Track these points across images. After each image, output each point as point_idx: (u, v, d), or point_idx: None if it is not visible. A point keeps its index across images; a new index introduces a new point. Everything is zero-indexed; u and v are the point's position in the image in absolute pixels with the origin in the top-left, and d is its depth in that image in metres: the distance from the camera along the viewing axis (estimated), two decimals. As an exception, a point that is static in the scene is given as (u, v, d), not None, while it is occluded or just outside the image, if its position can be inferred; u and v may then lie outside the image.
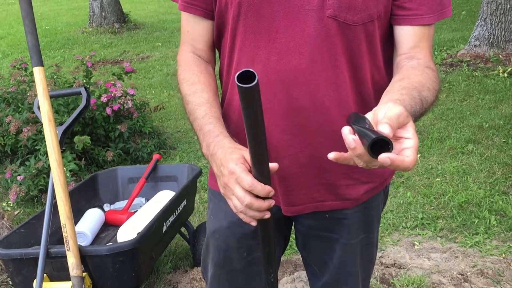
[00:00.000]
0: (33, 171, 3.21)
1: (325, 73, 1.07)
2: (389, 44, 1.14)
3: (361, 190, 1.21)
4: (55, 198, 1.82)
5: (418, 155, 3.74)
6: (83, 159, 3.56)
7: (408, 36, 1.09)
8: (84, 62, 4.00)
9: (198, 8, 1.16)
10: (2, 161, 3.83)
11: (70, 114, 3.45)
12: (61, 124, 2.00)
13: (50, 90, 2.08)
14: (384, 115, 0.79)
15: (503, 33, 6.00)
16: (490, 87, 5.13)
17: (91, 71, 4.03)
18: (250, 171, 0.92)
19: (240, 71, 0.76)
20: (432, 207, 3.06)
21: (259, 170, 0.90)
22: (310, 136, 1.11)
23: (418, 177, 3.42)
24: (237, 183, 0.92)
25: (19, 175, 3.23)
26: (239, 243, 1.27)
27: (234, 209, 0.96)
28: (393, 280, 2.42)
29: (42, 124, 1.80)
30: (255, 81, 0.75)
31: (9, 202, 3.25)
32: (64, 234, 1.78)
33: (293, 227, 1.37)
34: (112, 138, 3.84)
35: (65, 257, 1.79)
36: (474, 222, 2.86)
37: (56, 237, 2.18)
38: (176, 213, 2.32)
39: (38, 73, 1.76)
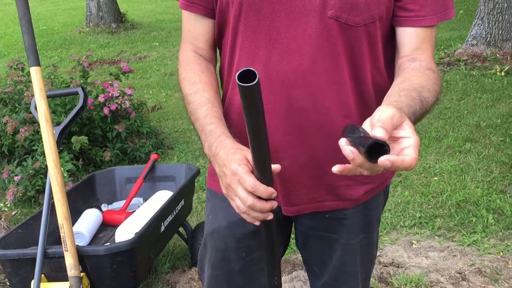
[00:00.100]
0: (30, 172, 3.20)
1: (326, 74, 1.07)
2: (390, 45, 1.13)
3: (361, 190, 1.21)
4: (52, 198, 1.81)
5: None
6: (80, 159, 3.56)
7: (410, 37, 1.09)
8: (81, 62, 3.99)
9: (199, 7, 1.15)
10: (-1, 162, 3.82)
11: (67, 114, 3.44)
12: (58, 124, 1.99)
13: (47, 90, 2.07)
14: (377, 119, 0.79)
15: (500, 32, 6.01)
16: (487, 86, 5.14)
17: (87, 71, 4.02)
18: (252, 172, 0.92)
19: (241, 70, 0.75)
20: (430, 206, 3.06)
21: (261, 172, 0.90)
22: (311, 137, 1.11)
23: (416, 176, 3.43)
24: (240, 184, 0.92)
25: (16, 175, 3.22)
26: (238, 243, 1.26)
27: (237, 210, 0.95)
28: (391, 279, 2.42)
29: (39, 124, 1.80)
30: (256, 80, 0.75)
31: (6, 203, 3.25)
32: (61, 234, 1.78)
33: (292, 227, 1.36)
34: (110, 138, 3.83)
35: (62, 257, 1.79)
36: (472, 220, 2.87)
37: (54, 237, 2.18)
38: (174, 213, 2.32)
39: (35, 73, 1.75)
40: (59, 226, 1.78)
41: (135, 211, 2.46)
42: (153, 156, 2.72)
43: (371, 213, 1.27)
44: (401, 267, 2.52)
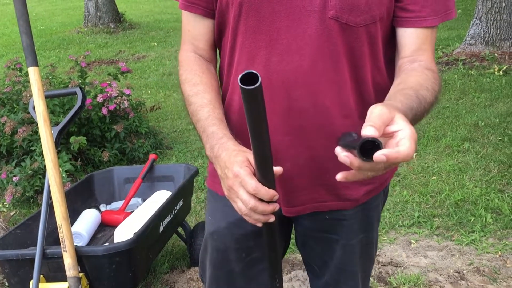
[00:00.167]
0: (29, 172, 3.20)
1: (326, 75, 1.06)
2: (391, 45, 1.13)
3: (361, 191, 1.20)
4: (51, 198, 1.81)
5: (414, 154, 3.74)
6: (79, 159, 3.55)
7: (410, 38, 1.08)
8: (79, 62, 3.98)
9: (199, 7, 1.15)
10: (-3, 162, 3.81)
11: (65, 115, 3.44)
12: (56, 124, 1.99)
13: (45, 90, 2.07)
14: (367, 119, 0.79)
15: (498, 32, 6.02)
16: (485, 85, 5.15)
17: (85, 71, 4.02)
18: (254, 174, 0.91)
19: (243, 73, 0.75)
20: (428, 206, 3.07)
21: (263, 174, 0.89)
22: (311, 137, 1.11)
23: (415, 176, 3.43)
24: (242, 186, 0.92)
25: (14, 176, 3.22)
26: (238, 244, 1.26)
27: (239, 212, 0.95)
28: (390, 278, 2.42)
29: (37, 124, 1.80)
30: (258, 83, 0.74)
31: (4, 203, 3.24)
32: (60, 234, 1.77)
33: (292, 228, 1.36)
34: (108, 138, 3.83)
35: (61, 257, 1.79)
36: (470, 220, 2.87)
37: (53, 237, 2.18)
38: (173, 213, 2.32)
39: (33, 73, 1.75)
40: (58, 227, 1.78)
41: (133, 211, 2.46)
42: (152, 156, 2.72)
43: (371, 213, 1.27)
44: (400, 266, 2.52)
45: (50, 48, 8.77)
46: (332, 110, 1.09)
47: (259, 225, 0.97)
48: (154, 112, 4.86)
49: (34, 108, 1.80)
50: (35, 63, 1.75)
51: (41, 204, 1.97)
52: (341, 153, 0.78)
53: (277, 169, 0.92)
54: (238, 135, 1.06)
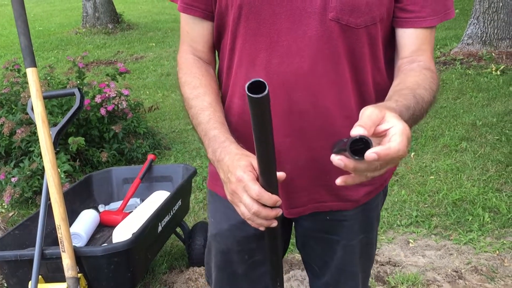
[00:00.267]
0: (27, 173, 3.20)
1: (327, 76, 1.06)
2: (391, 45, 1.13)
3: (361, 192, 1.21)
4: (49, 199, 1.81)
5: (412, 153, 3.76)
6: (77, 160, 3.55)
7: (410, 39, 1.08)
8: (76, 63, 3.98)
9: (198, 10, 1.14)
10: (-4, 163, 3.81)
11: (64, 115, 3.44)
12: (55, 125, 1.99)
13: (44, 91, 2.07)
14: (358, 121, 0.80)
15: (495, 31, 6.03)
16: (483, 85, 5.16)
17: (83, 72, 4.02)
18: (257, 179, 0.91)
19: (250, 81, 0.74)
20: (426, 205, 3.08)
21: (267, 180, 0.89)
22: (311, 139, 1.11)
23: (412, 175, 3.44)
24: (245, 191, 0.92)
25: (13, 176, 3.22)
26: (240, 246, 1.27)
27: (242, 216, 0.95)
28: (388, 277, 2.43)
29: (36, 125, 1.80)
30: (266, 91, 0.74)
31: (3, 204, 3.24)
32: (59, 235, 1.78)
33: (292, 229, 1.37)
34: (107, 139, 3.83)
35: (60, 258, 1.79)
36: (468, 219, 2.88)
37: (51, 238, 2.18)
38: (171, 213, 2.32)
39: (31, 74, 1.75)
40: (56, 227, 1.78)
41: (132, 211, 2.46)
42: (150, 157, 2.73)
43: (371, 213, 1.28)
44: (398, 266, 2.53)
45: (48, 49, 8.76)
46: (333, 112, 1.08)
47: (262, 229, 0.97)
48: (153, 113, 4.86)
49: (32, 109, 1.80)
50: (33, 64, 1.75)
51: (39, 205, 1.97)
52: (335, 158, 0.78)
53: (280, 175, 0.92)
54: (239, 137, 1.06)
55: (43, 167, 1.81)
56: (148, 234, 2.06)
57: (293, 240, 1.40)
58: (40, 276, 1.86)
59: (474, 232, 2.75)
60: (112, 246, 1.91)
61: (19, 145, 3.36)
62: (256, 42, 1.07)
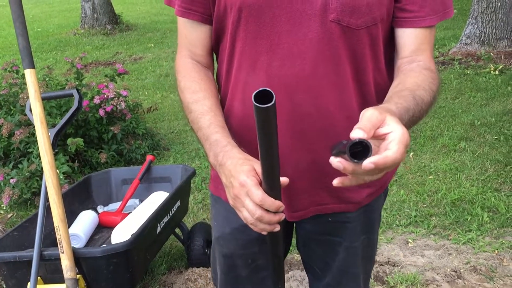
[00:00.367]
0: (26, 174, 3.20)
1: (328, 78, 1.06)
2: (390, 45, 1.12)
3: (363, 193, 1.20)
4: (48, 200, 1.81)
5: (411, 153, 3.76)
6: (76, 161, 3.55)
7: (409, 39, 1.08)
8: (74, 64, 3.98)
9: (196, 13, 1.13)
10: (-6, 164, 3.81)
11: (62, 116, 3.44)
12: (53, 126, 1.99)
13: (42, 92, 2.07)
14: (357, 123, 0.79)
15: (494, 31, 6.04)
16: (481, 85, 5.17)
17: (82, 73, 4.02)
18: (260, 184, 0.91)
19: (257, 91, 0.74)
20: (425, 205, 3.08)
21: (270, 185, 0.89)
22: (313, 141, 1.10)
23: (411, 175, 3.44)
24: (248, 196, 0.91)
25: (12, 178, 3.21)
26: (243, 250, 1.26)
27: (245, 221, 0.95)
28: (387, 277, 2.43)
29: (34, 126, 1.80)
30: (273, 101, 0.73)
31: (2, 205, 3.24)
32: (57, 236, 1.78)
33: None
34: (105, 140, 3.83)
35: (59, 259, 1.79)
36: (467, 219, 2.88)
37: (50, 239, 2.18)
38: (170, 214, 2.32)
39: (29, 75, 1.75)
40: (55, 228, 1.78)
41: (131, 212, 2.46)
42: (149, 157, 2.73)
43: (373, 215, 1.27)
44: (397, 266, 2.53)
45: (47, 50, 8.76)
46: (334, 113, 1.08)
47: (264, 233, 0.96)
48: (151, 113, 4.86)
49: (31, 110, 1.80)
50: (32, 65, 1.75)
51: (38, 206, 1.97)
52: (334, 161, 0.78)
53: (284, 180, 0.92)
54: (240, 141, 1.05)
55: (42, 168, 1.80)
56: (147, 235, 2.06)
57: (292, 240, 1.40)
58: (39, 278, 1.86)
59: (473, 232, 2.75)
60: (111, 247, 1.91)
61: (18, 146, 3.36)
62: (256, 45, 1.06)
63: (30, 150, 3.34)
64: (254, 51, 1.06)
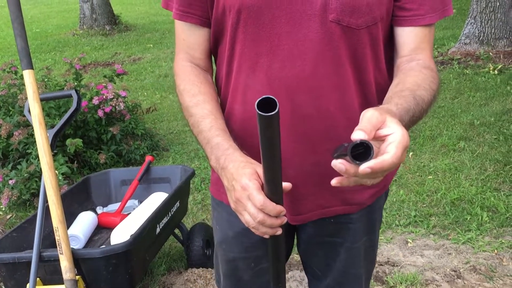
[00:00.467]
0: (25, 175, 3.19)
1: (329, 79, 1.05)
2: (390, 45, 1.12)
3: (366, 194, 1.20)
4: (47, 201, 1.81)
5: (410, 153, 3.76)
6: (75, 162, 3.55)
7: (409, 37, 1.07)
8: (73, 64, 3.98)
9: (194, 16, 1.12)
10: (-7, 165, 3.81)
11: (61, 117, 3.43)
12: (52, 127, 1.99)
13: (41, 93, 2.07)
14: (358, 124, 0.79)
15: (493, 31, 6.04)
16: (480, 84, 5.17)
17: (80, 73, 4.01)
18: (262, 188, 0.90)
19: (260, 98, 0.73)
20: (424, 205, 3.08)
21: (272, 189, 0.89)
22: (315, 143, 1.09)
23: (411, 175, 3.44)
24: (249, 199, 0.91)
25: (10, 179, 3.21)
26: (247, 253, 1.26)
27: (246, 224, 0.94)
28: (387, 277, 2.43)
29: (33, 127, 1.79)
30: (277, 110, 0.73)
31: (1, 206, 3.24)
32: (56, 237, 1.77)
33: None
34: (104, 141, 3.82)
35: (58, 260, 1.78)
36: (467, 218, 2.88)
37: (49, 240, 2.17)
38: (170, 215, 2.31)
39: (28, 76, 1.75)
40: (54, 229, 1.77)
41: (130, 213, 2.46)
42: (148, 158, 2.72)
43: (374, 215, 1.27)
44: (397, 265, 2.53)
45: (46, 51, 8.76)
46: (336, 114, 1.07)
47: (266, 236, 0.96)
48: (150, 114, 4.86)
49: (29, 111, 1.80)
50: (30, 66, 1.75)
51: (37, 207, 1.97)
52: (336, 162, 0.78)
53: (286, 185, 0.91)
54: (241, 144, 1.04)
55: (41, 169, 1.80)
56: (147, 235, 2.05)
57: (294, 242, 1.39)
58: (38, 279, 1.85)
59: (473, 232, 2.75)
60: (110, 248, 1.91)
61: (17, 147, 3.35)
62: (256, 47, 1.05)
63: (29, 151, 3.34)
64: (254, 53, 1.06)
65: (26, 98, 2.28)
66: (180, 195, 2.44)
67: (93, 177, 2.69)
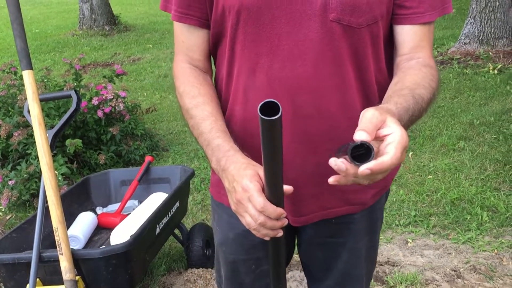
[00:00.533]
0: (25, 176, 3.19)
1: (330, 79, 1.04)
2: (390, 43, 1.12)
3: (368, 194, 1.20)
4: (47, 202, 1.81)
5: (410, 153, 3.76)
6: (75, 162, 3.55)
7: (408, 35, 1.07)
8: (73, 65, 3.98)
9: (193, 18, 1.11)
10: (-7, 166, 3.80)
11: (61, 118, 3.43)
12: (52, 127, 1.99)
13: (40, 93, 2.07)
14: (358, 124, 0.79)
15: (492, 31, 6.05)
16: (480, 84, 5.17)
17: (80, 74, 4.01)
18: (263, 190, 0.90)
19: (263, 102, 0.73)
20: (424, 205, 3.08)
21: (273, 192, 0.88)
22: (317, 144, 1.08)
23: (411, 175, 3.44)
24: (250, 201, 0.90)
25: (10, 179, 3.21)
26: (247, 255, 1.26)
27: (247, 226, 0.94)
28: (387, 277, 2.43)
29: (32, 128, 1.79)
30: (279, 114, 0.72)
31: (0, 207, 3.23)
32: (56, 238, 1.77)
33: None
34: (104, 141, 3.82)
35: (57, 261, 1.78)
36: (466, 218, 2.88)
37: (49, 241, 2.17)
38: (169, 215, 2.31)
39: (27, 76, 1.75)
40: (54, 230, 1.77)
41: (130, 213, 2.46)
42: (148, 158, 2.72)
43: (376, 215, 1.27)
44: (397, 265, 2.53)
45: (45, 51, 8.76)
46: (337, 114, 1.07)
47: (267, 239, 0.96)
48: (150, 114, 4.86)
49: (29, 112, 1.80)
50: (30, 66, 1.75)
51: (37, 208, 1.97)
52: (336, 162, 0.78)
53: (287, 188, 0.91)
54: (242, 146, 1.04)
55: (40, 169, 1.80)
56: (146, 236, 2.05)
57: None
58: (37, 279, 1.85)
59: (473, 231, 2.75)
60: (110, 248, 1.91)
61: (16, 147, 3.35)
62: (256, 48, 1.05)
63: (28, 151, 3.34)
64: (254, 54, 1.05)
65: (26, 99, 2.28)
66: (180, 195, 2.44)
67: (93, 177, 2.69)
